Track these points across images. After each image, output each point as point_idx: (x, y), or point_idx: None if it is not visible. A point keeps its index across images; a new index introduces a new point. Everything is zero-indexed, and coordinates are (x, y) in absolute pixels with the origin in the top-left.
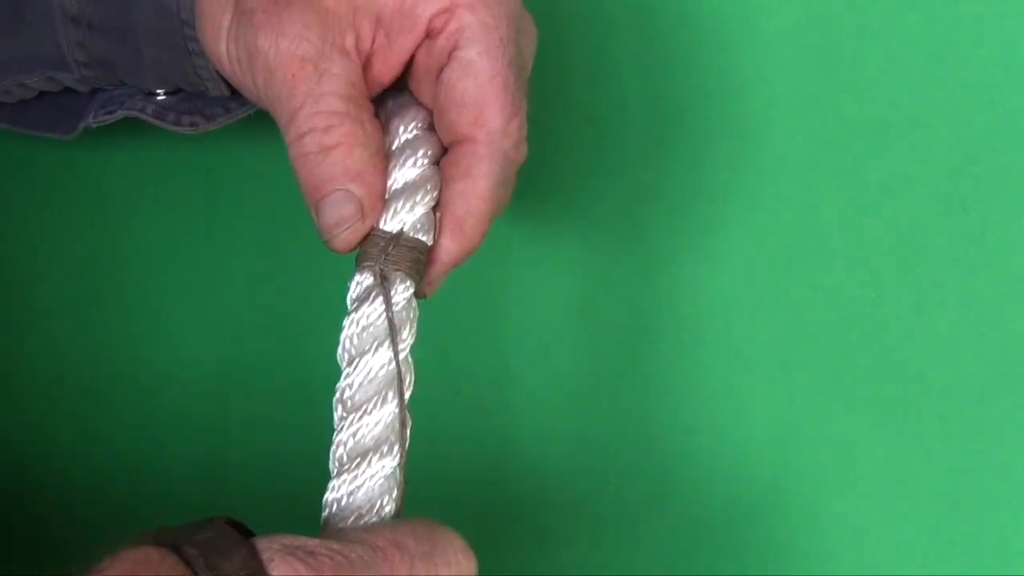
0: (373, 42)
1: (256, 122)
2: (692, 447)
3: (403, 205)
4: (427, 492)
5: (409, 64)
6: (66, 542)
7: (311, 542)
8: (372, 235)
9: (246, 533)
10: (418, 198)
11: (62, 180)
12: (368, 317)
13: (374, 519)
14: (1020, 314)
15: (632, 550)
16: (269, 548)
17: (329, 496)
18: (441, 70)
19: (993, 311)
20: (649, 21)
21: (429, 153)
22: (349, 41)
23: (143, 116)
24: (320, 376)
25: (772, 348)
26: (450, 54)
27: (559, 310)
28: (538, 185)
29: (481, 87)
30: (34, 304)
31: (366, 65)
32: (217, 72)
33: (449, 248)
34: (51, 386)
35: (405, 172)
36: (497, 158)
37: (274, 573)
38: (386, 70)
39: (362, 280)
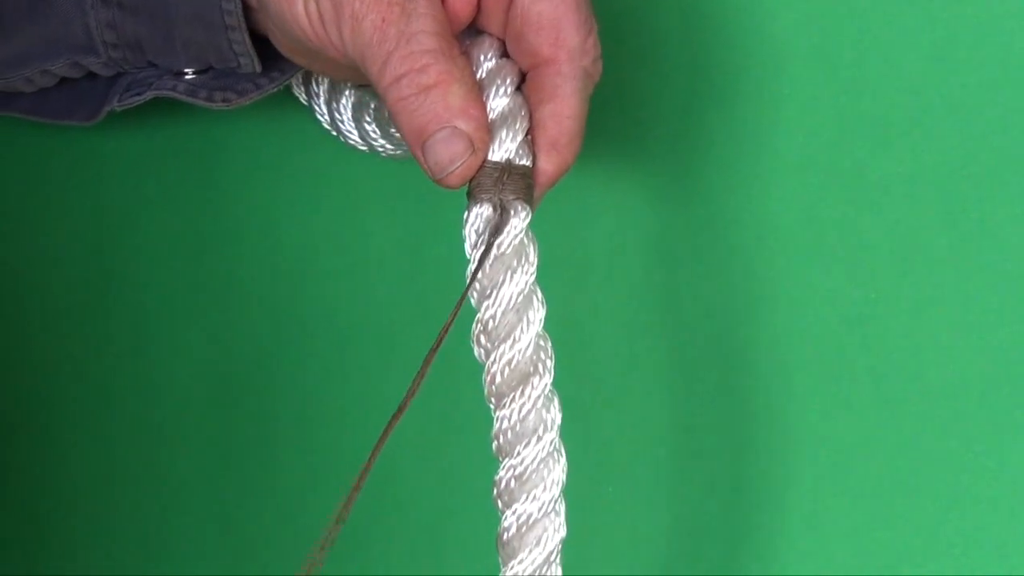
0: None
1: (262, 113)
2: (691, 446)
3: (506, 134)
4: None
5: None
6: (66, 542)
7: None
8: (483, 166)
9: None
10: (517, 125)
11: (64, 173)
12: (497, 248)
13: (550, 434)
14: (1020, 314)
15: (632, 550)
16: None
17: (499, 425)
18: None
19: (993, 311)
20: (649, 22)
21: (513, 80)
22: None
23: (175, 95)
24: (322, 375)
25: (772, 348)
26: None
27: (556, 309)
28: None
29: (556, 7)
30: (35, 302)
31: (443, 3)
32: (251, 45)
33: (547, 170)
34: (52, 385)
35: (498, 101)
36: (580, 75)
37: None
38: (461, 6)
39: (481, 212)
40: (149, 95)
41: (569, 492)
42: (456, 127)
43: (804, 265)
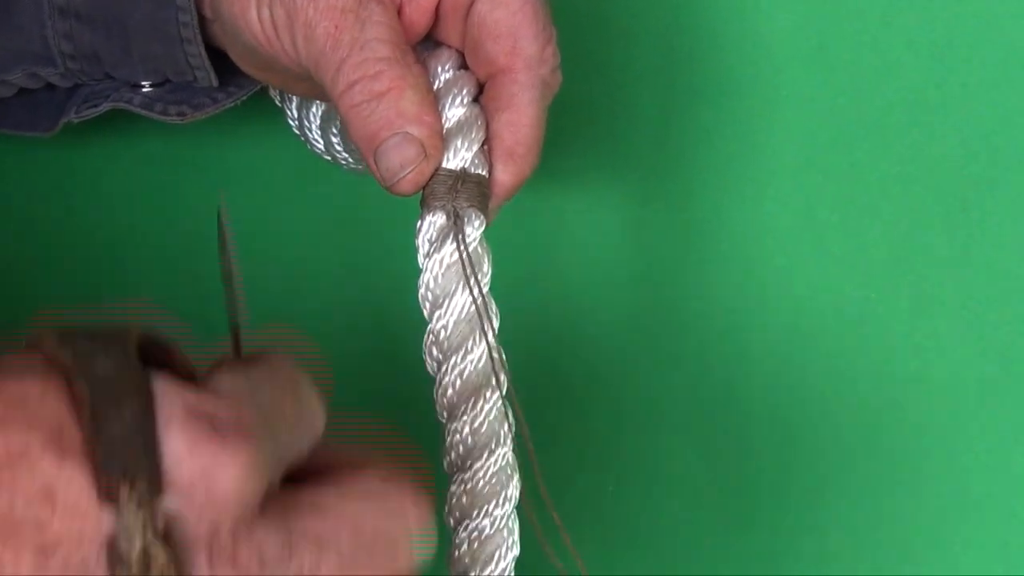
0: None
1: (248, 116)
2: (691, 446)
3: (462, 143)
4: None
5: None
6: None
7: (221, 407)
8: (437, 174)
9: (160, 356)
10: (473, 135)
11: (45, 179)
12: (451, 256)
13: (503, 449)
14: (1020, 314)
15: (631, 551)
16: (170, 406)
17: (451, 439)
18: (471, 5)
19: (993, 311)
20: (648, 21)
21: (470, 90)
22: None
23: (130, 107)
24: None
25: (772, 348)
26: None
27: (554, 310)
28: (536, 185)
29: (514, 15)
30: (31, 306)
31: (399, 14)
32: (208, 59)
33: (503, 180)
34: None
35: (454, 111)
36: (537, 84)
37: (167, 445)
38: (417, 16)
39: (435, 220)
40: (105, 107)
41: (570, 491)
42: (408, 132)
43: (804, 265)
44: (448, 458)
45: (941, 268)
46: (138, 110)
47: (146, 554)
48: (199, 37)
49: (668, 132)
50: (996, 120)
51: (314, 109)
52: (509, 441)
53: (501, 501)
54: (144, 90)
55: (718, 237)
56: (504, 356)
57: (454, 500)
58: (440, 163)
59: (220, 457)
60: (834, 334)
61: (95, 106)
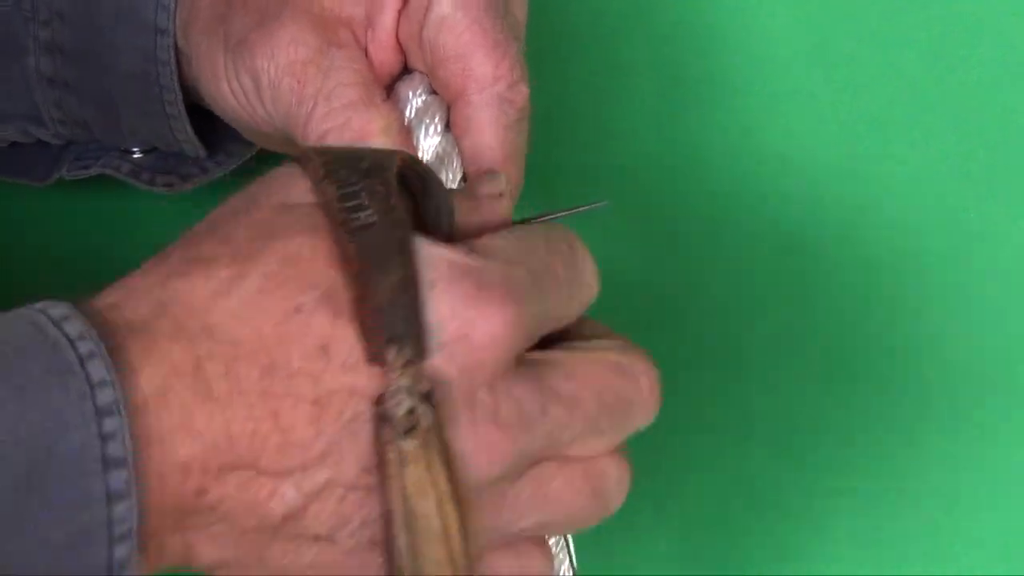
0: (365, 31)
1: (244, 176)
2: (691, 446)
3: (444, 175)
4: None
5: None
6: None
7: (488, 268)
8: None
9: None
10: (454, 164)
11: (37, 229)
12: None
13: None
14: (1020, 314)
15: (630, 549)
16: (433, 268)
17: None
18: (420, 32)
19: (993, 311)
20: (648, 21)
21: (442, 116)
22: (344, 35)
23: (117, 174)
24: None
25: (772, 348)
26: (425, 14)
27: None
28: (536, 185)
29: (460, 38)
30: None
31: (367, 54)
32: (193, 133)
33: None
34: None
35: (429, 141)
36: (493, 103)
37: (431, 308)
38: (382, 55)
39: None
40: (95, 170)
41: None
42: None
43: (804, 265)
44: None
45: (941, 268)
46: (125, 178)
47: (412, 414)
48: (184, 114)
49: (669, 131)
50: (996, 120)
51: None
52: None
53: None
54: (135, 156)
55: (720, 236)
56: None
57: None
58: None
59: (482, 319)
60: (834, 334)
61: (85, 167)
